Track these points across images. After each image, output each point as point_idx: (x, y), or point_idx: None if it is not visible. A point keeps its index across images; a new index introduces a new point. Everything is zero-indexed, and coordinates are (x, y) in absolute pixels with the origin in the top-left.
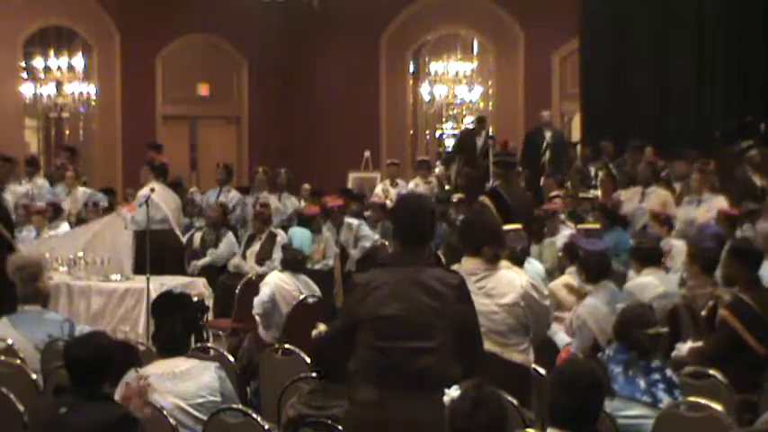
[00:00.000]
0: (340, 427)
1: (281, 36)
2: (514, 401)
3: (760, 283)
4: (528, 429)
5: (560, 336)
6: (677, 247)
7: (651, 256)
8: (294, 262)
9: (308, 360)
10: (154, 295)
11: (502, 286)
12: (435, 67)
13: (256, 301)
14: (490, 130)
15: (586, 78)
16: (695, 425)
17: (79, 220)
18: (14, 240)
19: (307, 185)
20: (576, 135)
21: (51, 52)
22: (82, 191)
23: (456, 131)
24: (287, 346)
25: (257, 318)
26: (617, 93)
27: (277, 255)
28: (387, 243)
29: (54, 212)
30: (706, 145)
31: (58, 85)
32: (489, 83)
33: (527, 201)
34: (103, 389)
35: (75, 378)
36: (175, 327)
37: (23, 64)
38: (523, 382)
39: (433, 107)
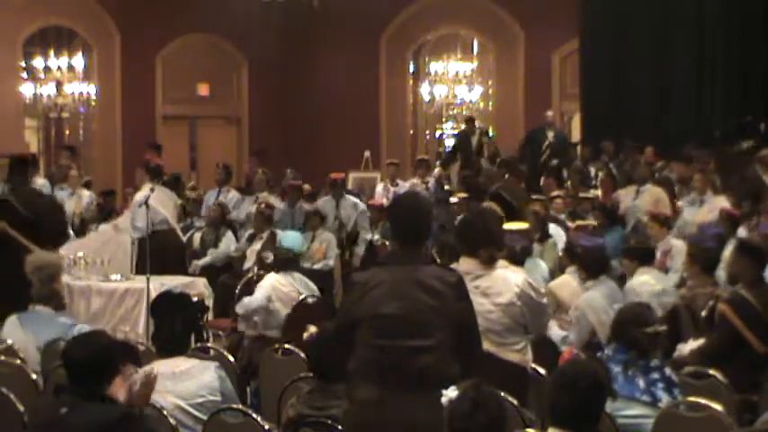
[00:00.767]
0: (340, 427)
1: (281, 36)
2: (514, 401)
3: (764, 283)
4: (528, 429)
5: (554, 330)
6: (677, 247)
7: (645, 256)
8: (286, 261)
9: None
10: (154, 295)
11: (498, 285)
12: (435, 67)
13: (244, 301)
14: (490, 131)
15: (586, 78)
16: (695, 425)
17: (82, 221)
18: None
19: (307, 186)
20: (576, 135)
21: (51, 52)
22: (87, 194)
23: (456, 131)
24: (287, 346)
25: (238, 315)
26: (617, 93)
27: None
28: (386, 243)
29: None
30: (706, 145)
31: (58, 85)
32: (489, 83)
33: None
34: (103, 389)
35: (74, 378)
36: (175, 327)
37: (23, 64)
38: (520, 382)
39: (433, 107)
